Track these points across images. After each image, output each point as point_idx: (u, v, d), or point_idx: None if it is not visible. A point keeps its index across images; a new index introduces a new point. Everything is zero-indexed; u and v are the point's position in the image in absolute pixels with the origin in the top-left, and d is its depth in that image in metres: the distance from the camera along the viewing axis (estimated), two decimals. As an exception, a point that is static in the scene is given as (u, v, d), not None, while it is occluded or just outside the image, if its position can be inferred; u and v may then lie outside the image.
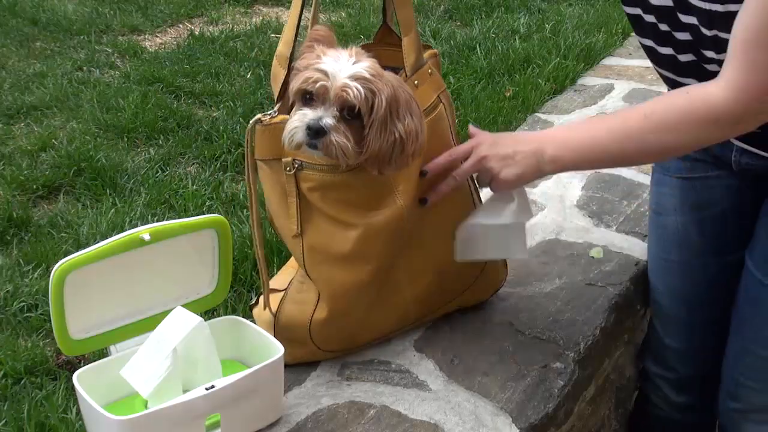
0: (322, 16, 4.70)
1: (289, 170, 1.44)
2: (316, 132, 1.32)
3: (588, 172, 2.35)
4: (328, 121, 1.33)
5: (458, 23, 4.49)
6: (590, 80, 3.22)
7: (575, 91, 3.11)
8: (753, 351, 1.69)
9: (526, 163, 1.47)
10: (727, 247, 1.74)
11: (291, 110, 1.41)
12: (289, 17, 1.49)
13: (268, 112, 1.45)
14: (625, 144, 1.44)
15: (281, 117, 1.45)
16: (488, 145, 1.49)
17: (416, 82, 1.49)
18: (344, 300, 1.52)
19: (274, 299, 1.58)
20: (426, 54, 1.53)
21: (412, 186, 1.48)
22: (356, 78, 1.32)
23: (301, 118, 1.34)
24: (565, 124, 1.50)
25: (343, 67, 1.33)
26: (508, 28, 4.17)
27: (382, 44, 1.54)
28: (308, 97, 1.35)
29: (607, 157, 1.50)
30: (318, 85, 1.33)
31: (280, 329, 1.55)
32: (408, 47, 1.47)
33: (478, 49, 3.89)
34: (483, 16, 4.45)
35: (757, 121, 1.37)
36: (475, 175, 1.56)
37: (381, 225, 1.46)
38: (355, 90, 1.31)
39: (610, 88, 3.03)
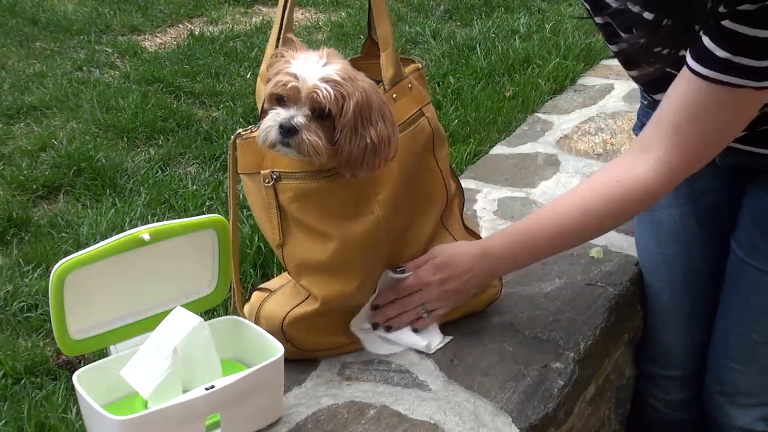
0: (323, 16, 4.71)
1: (268, 182, 1.46)
2: (288, 130, 1.35)
3: (587, 172, 2.36)
4: (300, 119, 1.35)
5: (458, 23, 4.50)
6: (590, 80, 3.22)
7: (575, 91, 3.11)
8: (738, 332, 1.72)
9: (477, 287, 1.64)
10: (723, 234, 1.75)
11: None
12: (270, 38, 1.51)
13: (248, 127, 1.48)
14: (567, 241, 1.60)
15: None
16: (436, 291, 1.57)
17: (394, 95, 1.50)
18: (331, 303, 1.52)
19: (259, 298, 1.59)
20: (408, 68, 1.54)
21: (391, 196, 1.48)
22: (326, 80, 1.35)
23: (274, 117, 1.37)
24: (503, 238, 1.61)
25: (313, 69, 1.36)
26: (508, 28, 4.18)
27: (369, 57, 1.56)
28: (281, 100, 1.38)
29: (550, 254, 1.69)
30: (289, 86, 1.35)
31: (259, 317, 1.56)
32: (386, 62, 1.49)
33: (478, 49, 3.89)
34: (483, 16, 4.46)
35: None
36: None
37: (358, 235, 1.47)
38: (324, 91, 1.34)
39: (610, 88, 3.03)
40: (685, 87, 1.34)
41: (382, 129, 1.38)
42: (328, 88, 1.34)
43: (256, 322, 1.55)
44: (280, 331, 1.52)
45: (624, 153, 1.50)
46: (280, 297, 1.57)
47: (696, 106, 1.35)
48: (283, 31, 1.48)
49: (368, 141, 1.36)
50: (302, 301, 1.53)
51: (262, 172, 1.46)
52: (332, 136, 1.37)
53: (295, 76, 1.35)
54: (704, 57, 1.29)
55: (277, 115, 1.37)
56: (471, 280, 1.58)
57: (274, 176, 1.45)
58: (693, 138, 1.39)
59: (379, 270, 1.56)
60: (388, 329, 1.59)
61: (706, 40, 1.28)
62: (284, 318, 1.52)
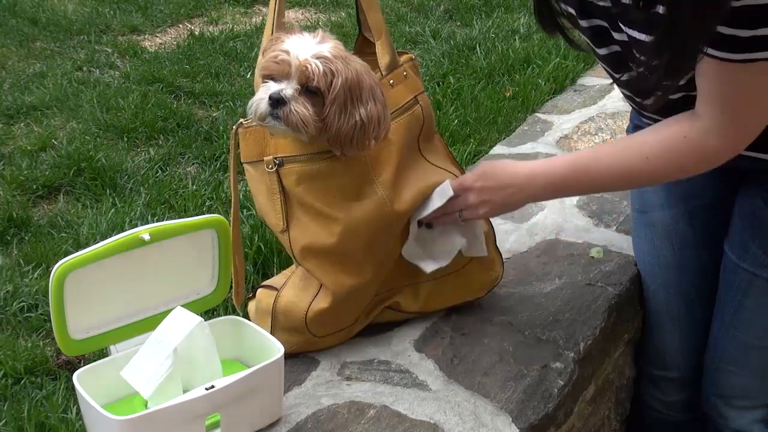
0: (322, 17, 4.71)
1: (271, 168, 1.48)
2: (276, 101, 1.39)
3: (588, 172, 2.36)
4: (289, 92, 1.38)
5: (458, 23, 4.49)
6: (590, 80, 3.22)
7: (575, 91, 3.11)
8: (732, 335, 1.72)
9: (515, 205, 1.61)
10: (716, 237, 1.75)
11: None
12: (265, 29, 1.54)
13: (249, 117, 1.49)
14: (619, 183, 1.58)
15: None
16: (474, 199, 1.55)
17: (391, 81, 1.53)
18: (343, 295, 1.54)
19: (268, 295, 1.60)
20: (402, 58, 1.57)
21: (394, 177, 1.50)
22: (317, 56, 1.38)
23: (265, 90, 1.41)
24: (557, 163, 1.55)
25: (306, 46, 1.39)
26: (508, 28, 4.17)
27: (361, 54, 1.57)
28: (273, 79, 1.41)
29: (604, 191, 1.64)
30: (279, 59, 1.39)
31: (277, 313, 1.57)
32: (381, 49, 1.53)
33: (478, 49, 3.89)
34: (483, 16, 4.46)
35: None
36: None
37: (362, 217, 1.48)
38: (314, 66, 1.37)
39: (609, 88, 3.03)
40: (721, 78, 1.31)
41: (372, 109, 1.40)
42: (318, 63, 1.37)
43: (273, 318, 1.57)
44: (303, 325, 1.55)
45: (675, 117, 1.45)
46: (293, 290, 1.58)
47: (738, 90, 1.31)
48: (276, 17, 1.51)
49: (357, 119, 1.39)
50: (317, 295, 1.54)
51: (264, 158, 1.49)
52: (322, 111, 1.39)
53: (287, 52, 1.38)
54: (729, 43, 1.25)
55: (268, 89, 1.40)
56: (512, 196, 1.55)
57: (277, 161, 1.48)
58: (742, 115, 1.36)
59: (391, 260, 1.57)
60: (429, 226, 1.60)
61: (723, 29, 1.24)
62: (306, 313, 1.55)
